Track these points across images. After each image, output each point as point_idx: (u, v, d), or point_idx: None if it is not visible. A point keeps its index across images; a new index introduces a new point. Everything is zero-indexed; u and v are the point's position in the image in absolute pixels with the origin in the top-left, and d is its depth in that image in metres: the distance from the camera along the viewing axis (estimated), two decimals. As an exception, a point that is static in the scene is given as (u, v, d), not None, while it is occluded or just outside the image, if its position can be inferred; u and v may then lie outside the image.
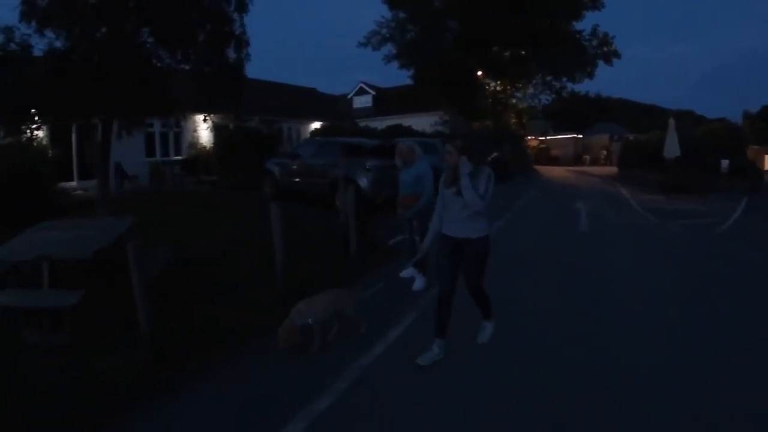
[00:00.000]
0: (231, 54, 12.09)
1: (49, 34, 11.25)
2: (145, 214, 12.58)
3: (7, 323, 5.46)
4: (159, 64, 11.79)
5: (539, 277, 7.75)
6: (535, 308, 6.24)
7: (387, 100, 39.20)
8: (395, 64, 32.33)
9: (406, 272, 7.48)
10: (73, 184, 19.55)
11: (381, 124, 30.50)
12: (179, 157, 23.34)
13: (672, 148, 20.14)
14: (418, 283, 7.01)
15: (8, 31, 11.16)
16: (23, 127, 11.65)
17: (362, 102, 41.45)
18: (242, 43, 12.08)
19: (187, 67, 11.88)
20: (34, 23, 11.12)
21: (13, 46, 11.17)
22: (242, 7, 12.07)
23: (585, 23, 30.68)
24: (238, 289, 6.81)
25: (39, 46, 11.37)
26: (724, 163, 21.13)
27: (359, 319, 5.23)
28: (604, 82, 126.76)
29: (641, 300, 6.64)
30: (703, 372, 4.48)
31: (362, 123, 31.16)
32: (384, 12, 32.54)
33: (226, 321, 5.64)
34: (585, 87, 38.30)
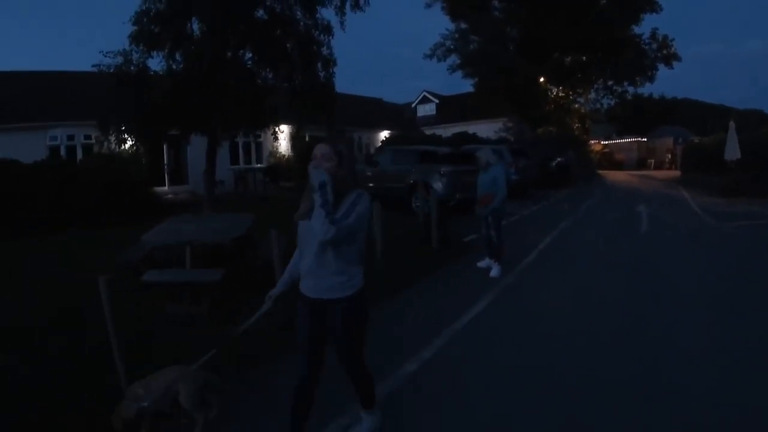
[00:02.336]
0: (320, 72, 13.62)
1: (157, 56, 13.03)
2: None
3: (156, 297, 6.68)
4: (259, 81, 13.49)
5: (601, 268, 8.86)
6: (600, 299, 7.36)
7: (449, 108, 40.25)
8: (458, 73, 33.55)
9: (483, 263, 8.71)
10: (165, 189, 21.62)
11: (445, 131, 31.53)
12: (260, 165, 25.23)
13: (732, 150, 20.23)
14: (495, 271, 8.24)
15: (126, 54, 12.76)
16: (148, 140, 13.52)
17: (426, 110, 42.67)
18: (329, 62, 13.62)
19: (285, 85, 13.51)
20: (142, 46, 12.81)
21: (131, 67, 12.88)
22: (328, 31, 13.60)
23: (645, 27, 30.95)
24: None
25: (153, 67, 13.18)
26: (788, 163, 20.96)
27: (199, 408, 3.71)
28: (669, 82, 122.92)
29: (694, 293, 7.46)
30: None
31: (428, 131, 32.39)
32: (445, 22, 33.91)
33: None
34: (648, 88, 38.03)
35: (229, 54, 12.96)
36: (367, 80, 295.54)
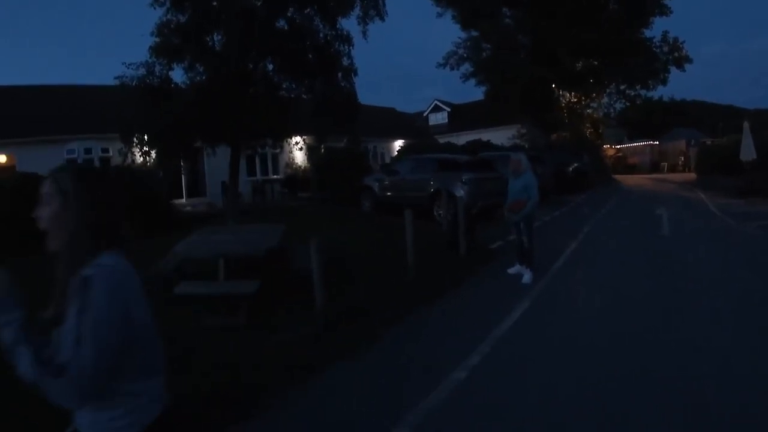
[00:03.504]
0: (341, 83, 13.69)
1: (178, 67, 13.14)
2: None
3: (188, 310, 6.72)
4: (281, 93, 13.57)
5: (629, 271, 8.86)
6: (627, 294, 7.35)
7: (461, 116, 40.48)
8: (471, 81, 33.58)
9: (514, 269, 8.73)
10: (183, 201, 21.76)
11: (458, 139, 31.68)
12: (277, 176, 25.36)
13: (748, 150, 20.16)
14: (527, 277, 8.23)
15: (149, 65, 12.89)
16: (172, 152, 13.59)
17: (438, 119, 42.90)
18: (350, 72, 13.68)
19: (307, 96, 13.60)
20: (164, 58, 12.93)
21: (154, 79, 13.01)
22: (348, 41, 13.68)
23: (655, 30, 30.85)
24: (378, 278, 8.22)
25: (176, 79, 13.29)
26: (804, 163, 20.80)
27: None
28: (677, 84, 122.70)
29: (718, 292, 7.54)
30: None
31: (441, 139, 32.46)
32: (455, 31, 34.00)
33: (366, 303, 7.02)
34: (658, 92, 38.03)
35: (251, 66, 13.06)
36: (377, 90, 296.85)
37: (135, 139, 13.16)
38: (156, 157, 13.95)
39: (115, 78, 12.94)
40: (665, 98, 56.91)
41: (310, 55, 13.19)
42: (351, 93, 13.71)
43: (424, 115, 44.26)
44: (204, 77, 12.87)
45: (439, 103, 43.68)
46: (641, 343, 5.36)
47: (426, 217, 13.95)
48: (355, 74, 13.72)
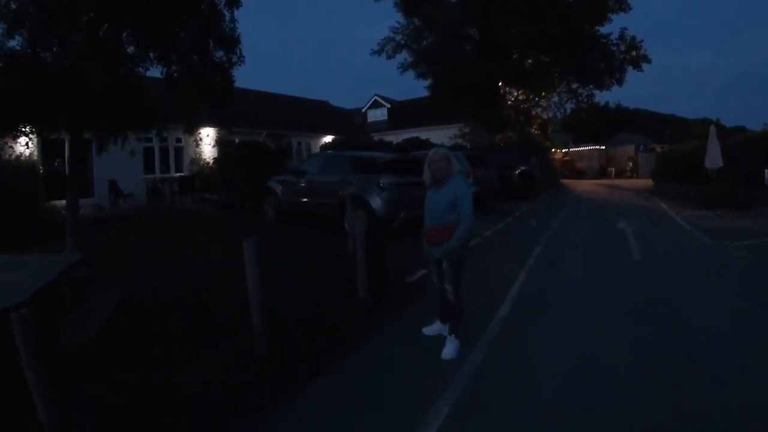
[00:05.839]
0: (218, 55, 10.19)
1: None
2: (122, 240, 11.00)
3: None
4: (131, 66, 9.87)
5: (604, 322, 5.88)
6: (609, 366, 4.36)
7: (402, 113, 37.94)
8: (411, 75, 30.28)
9: (432, 329, 5.65)
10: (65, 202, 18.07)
11: (396, 137, 29.09)
12: (181, 174, 21.71)
13: (714, 158, 18.09)
14: (450, 349, 5.08)
15: None
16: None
17: (377, 115, 40.16)
18: (231, 41, 10.15)
19: (164, 68, 9.91)
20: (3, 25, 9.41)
21: None
22: (233, 2, 10.24)
23: (612, 27, 28.56)
24: (201, 348, 5.02)
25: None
26: (769, 173, 18.99)
27: None
28: (621, 92, 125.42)
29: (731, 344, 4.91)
30: None
31: (377, 137, 29.52)
32: (399, 19, 30.68)
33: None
34: (603, 98, 36.55)
35: (83, 34, 9.40)
36: (321, 86, 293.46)
37: None
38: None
39: None
40: (611, 104, 56.02)
41: (181, 14, 9.60)
42: (221, 66, 10.14)
43: (363, 111, 41.18)
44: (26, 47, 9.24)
45: (378, 99, 40.62)
46: None
47: (338, 230, 10.63)
48: (238, 42, 10.22)
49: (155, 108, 10.06)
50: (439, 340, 5.27)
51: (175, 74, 9.82)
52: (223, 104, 10.43)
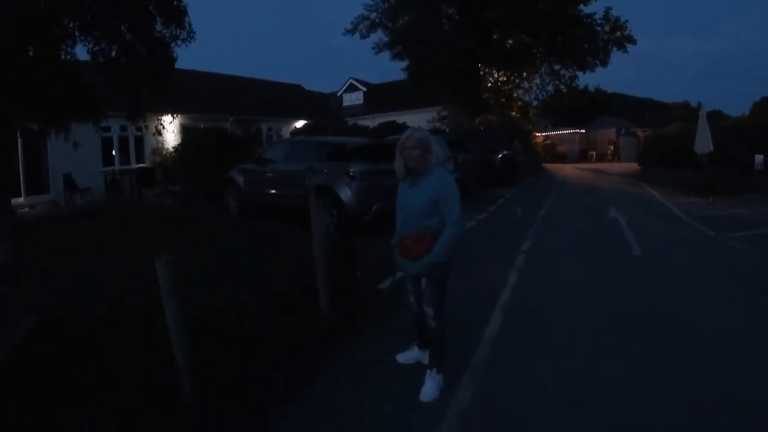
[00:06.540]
0: (159, 29, 8.86)
1: None
2: (63, 244, 9.71)
3: None
4: (63, 47, 8.50)
5: (625, 344, 4.79)
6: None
7: (379, 97, 36.75)
8: (387, 56, 29.03)
9: (408, 355, 4.55)
10: (20, 200, 16.64)
11: (372, 121, 28.03)
12: (142, 165, 20.33)
13: (704, 142, 17.35)
14: (429, 389, 3.92)
15: None
16: None
17: (353, 99, 38.92)
18: (175, 13, 8.81)
19: (91, 45, 8.52)
20: None
21: None
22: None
23: (597, 6, 27.58)
24: (117, 393, 3.87)
25: None
26: (759, 158, 18.31)
27: None
28: (599, 76, 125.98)
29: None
30: None
31: (353, 121, 28.31)
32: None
33: None
34: (583, 80, 35.84)
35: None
36: (296, 69, 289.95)
37: None
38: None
39: None
40: (590, 88, 55.23)
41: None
42: (163, 43, 8.78)
43: (338, 95, 39.83)
44: None
45: (354, 82, 39.25)
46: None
47: (308, 224, 9.34)
48: (183, 14, 8.89)
49: (94, 91, 8.78)
50: (413, 371, 4.19)
51: (105, 52, 8.49)
52: (164, 86, 9.13)
